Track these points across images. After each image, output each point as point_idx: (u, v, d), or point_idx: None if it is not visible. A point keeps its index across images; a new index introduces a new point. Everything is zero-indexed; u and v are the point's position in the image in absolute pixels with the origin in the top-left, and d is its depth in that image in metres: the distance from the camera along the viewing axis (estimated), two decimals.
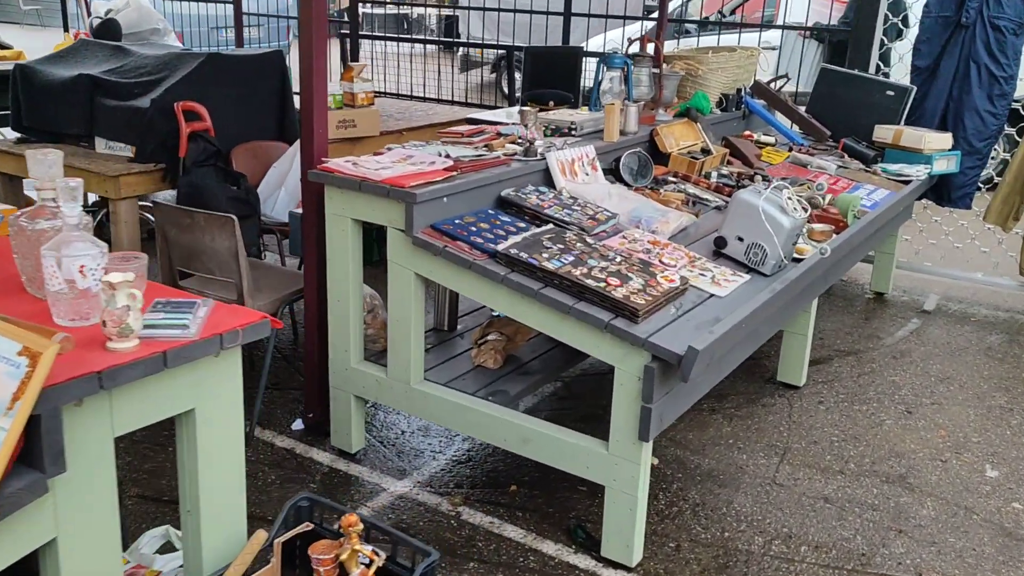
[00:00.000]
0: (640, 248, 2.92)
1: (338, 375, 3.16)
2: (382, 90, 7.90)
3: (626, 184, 3.63)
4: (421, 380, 3.00)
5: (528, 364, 3.18)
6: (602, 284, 2.53)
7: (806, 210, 2.96)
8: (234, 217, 3.11)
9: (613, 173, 3.65)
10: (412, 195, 2.73)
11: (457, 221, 2.85)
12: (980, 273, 5.29)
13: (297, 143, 4.39)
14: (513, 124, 3.84)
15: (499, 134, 3.57)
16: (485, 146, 3.34)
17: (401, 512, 2.92)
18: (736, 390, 3.87)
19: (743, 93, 4.82)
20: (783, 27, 8.27)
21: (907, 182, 4.44)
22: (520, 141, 3.40)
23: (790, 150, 4.71)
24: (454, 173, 2.95)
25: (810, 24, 7.72)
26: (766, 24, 9.27)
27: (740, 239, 3.00)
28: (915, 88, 4.96)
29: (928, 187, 4.78)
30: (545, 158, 3.31)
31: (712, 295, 2.76)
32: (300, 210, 3.25)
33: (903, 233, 5.39)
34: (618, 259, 2.74)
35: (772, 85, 5.23)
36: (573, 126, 3.77)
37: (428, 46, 11.54)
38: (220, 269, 3.25)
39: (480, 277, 2.68)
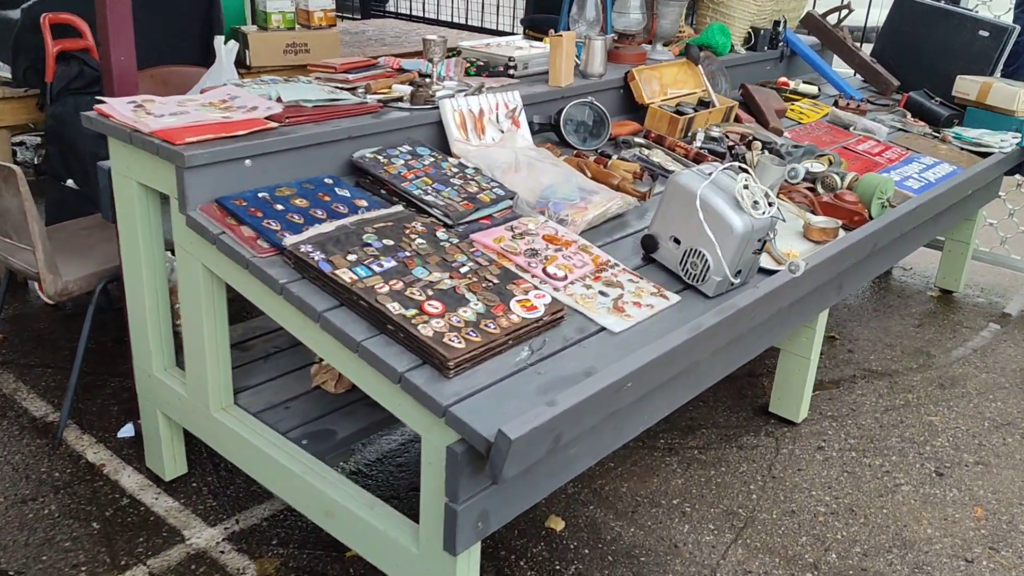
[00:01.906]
0: (523, 248, 2.03)
1: (142, 383, 2.42)
2: (405, 11, 6.99)
3: (570, 146, 2.71)
4: (229, 405, 2.22)
5: None
6: (412, 311, 1.68)
7: (771, 204, 2.00)
8: (15, 168, 2.37)
9: (555, 131, 2.73)
10: (180, 155, 1.92)
11: (261, 195, 2.02)
12: None
13: (211, 69, 3.63)
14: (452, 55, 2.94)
15: (399, 69, 2.68)
16: (364, 86, 2.48)
17: None
18: (710, 420, 2.96)
19: (781, 27, 3.75)
20: None
21: (986, 154, 3.34)
22: (417, 82, 2.51)
23: (836, 104, 3.64)
24: (273, 125, 2.11)
25: None
26: None
27: (676, 241, 2.07)
28: (1018, 29, 3.77)
29: (1022, 160, 3.63)
30: (438, 106, 2.42)
31: (603, 328, 1.86)
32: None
33: (987, 214, 4.25)
34: (468, 267, 1.87)
35: (831, 17, 4.11)
36: (512, 64, 2.84)
37: None
38: (16, 233, 2.52)
39: (259, 282, 1.86)
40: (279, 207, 1.99)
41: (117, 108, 2.10)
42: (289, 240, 1.84)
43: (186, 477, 2.53)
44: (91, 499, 2.44)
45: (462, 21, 6.29)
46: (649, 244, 2.13)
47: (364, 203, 2.09)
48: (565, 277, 1.97)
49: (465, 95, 2.49)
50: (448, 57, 2.76)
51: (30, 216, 2.41)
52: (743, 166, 2.02)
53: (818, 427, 2.97)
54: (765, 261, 2.15)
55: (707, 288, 2.03)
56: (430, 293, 1.74)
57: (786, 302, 2.18)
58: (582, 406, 1.58)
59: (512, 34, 6.10)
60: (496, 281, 1.83)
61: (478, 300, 1.76)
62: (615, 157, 2.64)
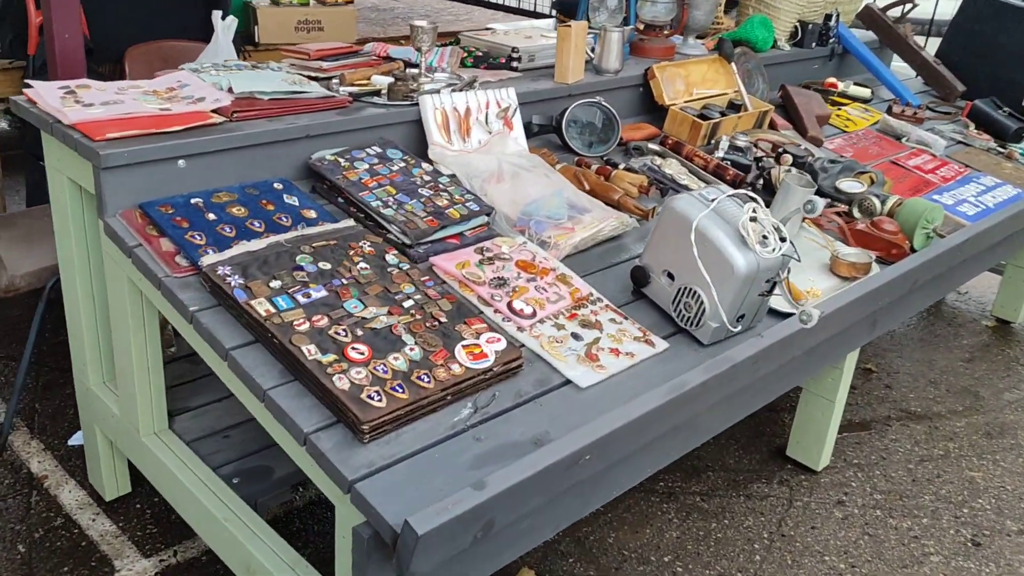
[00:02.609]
0: (490, 276, 1.75)
1: (80, 395, 2.20)
2: None
3: (573, 152, 2.41)
4: (163, 429, 1.99)
5: None
6: (329, 357, 1.41)
7: (784, 239, 1.68)
8: None
9: (558, 134, 2.43)
10: (96, 153, 1.67)
11: (195, 201, 1.77)
12: None
13: (208, 47, 3.39)
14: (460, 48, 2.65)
15: (385, 58, 2.41)
16: (337, 76, 2.21)
17: None
18: (719, 462, 2.65)
19: (833, 21, 3.37)
20: None
21: None
22: (397, 74, 2.23)
23: (890, 110, 3.26)
24: (217, 120, 1.86)
25: None
26: None
27: (670, 276, 1.76)
28: None
29: None
30: (418, 103, 2.14)
31: (568, 382, 1.57)
32: None
33: None
34: (413, 300, 1.59)
35: (892, 12, 3.72)
36: (516, 55, 2.54)
37: None
38: None
39: (170, 306, 1.61)
40: (211, 216, 1.74)
41: (44, 93, 1.86)
42: (208, 259, 1.58)
43: (129, 497, 2.32)
44: (23, 517, 2.24)
45: (501, 0, 5.95)
46: (640, 277, 1.83)
47: (313, 214, 1.83)
48: (533, 314, 1.68)
49: (452, 91, 2.20)
50: (445, 45, 2.47)
51: None
52: (751, 194, 1.70)
53: (840, 477, 2.64)
54: (777, 302, 1.83)
55: (702, 335, 1.73)
56: (358, 333, 1.47)
57: (799, 351, 1.86)
58: (521, 488, 1.30)
59: (548, 16, 5.76)
60: (444, 320, 1.56)
61: (416, 344, 1.48)
62: (622, 166, 2.34)
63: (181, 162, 1.78)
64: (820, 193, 2.43)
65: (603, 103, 2.43)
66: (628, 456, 1.61)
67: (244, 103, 1.94)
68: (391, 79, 2.16)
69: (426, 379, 1.41)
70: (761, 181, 2.39)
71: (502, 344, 1.54)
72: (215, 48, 3.29)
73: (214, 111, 1.89)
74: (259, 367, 1.45)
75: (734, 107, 2.81)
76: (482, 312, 1.66)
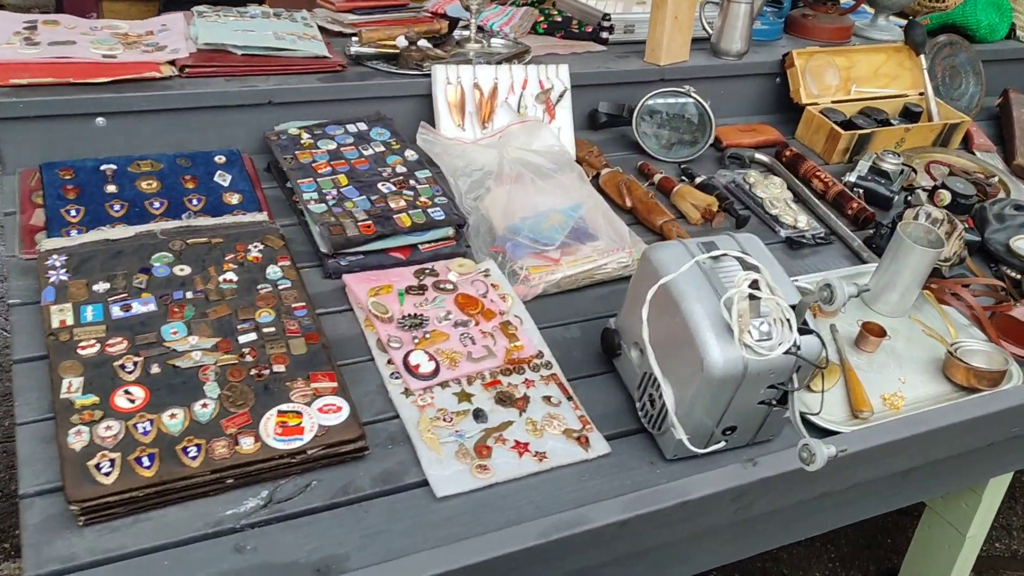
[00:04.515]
0: (407, 311, 1.33)
1: None
2: None
3: (647, 154, 1.88)
4: None
5: None
6: (90, 398, 1.08)
7: (806, 331, 1.10)
8: None
9: (624, 123, 1.90)
10: None
11: (106, 167, 1.50)
12: None
13: None
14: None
15: (441, 15, 2.00)
16: (354, 33, 1.85)
17: None
18: (801, 573, 2.05)
19: None
20: None
21: None
22: (411, 35, 1.82)
23: None
24: (157, 75, 1.58)
25: None
26: None
27: (641, 351, 1.24)
28: None
29: None
30: (429, 74, 1.73)
31: (423, 483, 1.13)
32: None
33: None
34: (257, 335, 1.22)
35: None
36: (607, 23, 2.03)
37: None
38: None
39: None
40: (111, 188, 1.47)
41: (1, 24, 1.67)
42: (49, 243, 1.31)
43: None
44: None
45: None
46: (609, 343, 1.32)
47: (236, 199, 1.50)
48: (435, 372, 1.25)
49: (485, 63, 1.76)
50: (522, 4, 2.03)
51: None
52: (752, 260, 1.14)
53: None
54: (832, 406, 1.25)
55: (664, 444, 1.20)
56: (152, 371, 1.13)
57: (809, 494, 1.26)
58: None
59: None
60: (281, 369, 1.17)
61: (217, 398, 1.11)
62: (699, 179, 1.78)
63: (100, 120, 1.52)
64: (984, 251, 1.72)
65: (693, 93, 1.87)
66: None
67: (207, 57, 1.65)
68: (406, 42, 1.76)
69: (193, 453, 1.04)
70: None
71: (340, 416, 1.13)
72: None
73: (171, 63, 1.61)
74: (35, 391, 1.15)
75: (911, 115, 2.11)
76: (346, 363, 1.25)
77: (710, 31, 2.05)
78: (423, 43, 1.78)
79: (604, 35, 2.03)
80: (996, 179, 1.95)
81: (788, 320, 1.10)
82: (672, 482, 1.14)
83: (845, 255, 1.69)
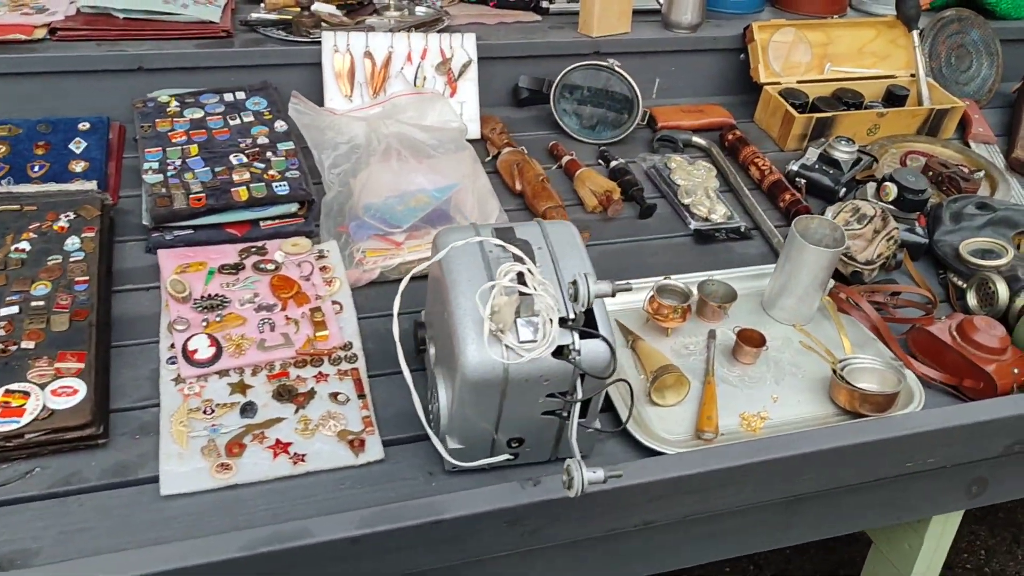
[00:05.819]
0: (208, 291, 1.23)
1: None
2: None
3: (566, 134, 1.71)
4: None
5: None
6: None
7: (574, 327, 0.93)
8: None
9: (545, 100, 1.73)
10: None
11: None
12: None
13: None
14: None
15: None
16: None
17: None
18: None
19: None
20: None
21: None
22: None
23: None
24: (22, 37, 1.53)
25: None
26: None
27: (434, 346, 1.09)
28: None
29: None
30: (320, 41, 1.62)
31: (153, 479, 1.02)
32: None
33: None
34: (23, 307, 1.14)
35: None
36: None
37: None
38: None
39: None
40: None
41: None
42: None
43: None
44: None
45: None
46: (418, 336, 1.18)
47: (81, 167, 1.43)
48: (213, 359, 1.14)
49: (375, 29, 1.64)
50: None
51: None
52: (517, 252, 0.97)
53: None
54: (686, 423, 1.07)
55: (444, 453, 1.06)
56: None
57: (626, 524, 1.08)
58: None
59: None
60: (30, 345, 1.08)
61: None
62: (613, 163, 1.60)
63: None
64: (931, 254, 1.48)
65: (617, 68, 1.68)
66: None
67: (88, 20, 1.58)
68: (300, 10, 1.66)
69: None
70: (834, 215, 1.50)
71: (73, 400, 1.03)
72: None
73: (45, 25, 1.56)
74: None
75: (895, 99, 1.85)
76: (128, 344, 1.15)
77: (660, 2, 1.86)
78: (322, 8, 1.66)
79: (544, 4, 1.86)
80: (981, 174, 1.69)
81: (552, 320, 0.94)
82: (425, 498, 0.99)
83: (762, 252, 1.48)
